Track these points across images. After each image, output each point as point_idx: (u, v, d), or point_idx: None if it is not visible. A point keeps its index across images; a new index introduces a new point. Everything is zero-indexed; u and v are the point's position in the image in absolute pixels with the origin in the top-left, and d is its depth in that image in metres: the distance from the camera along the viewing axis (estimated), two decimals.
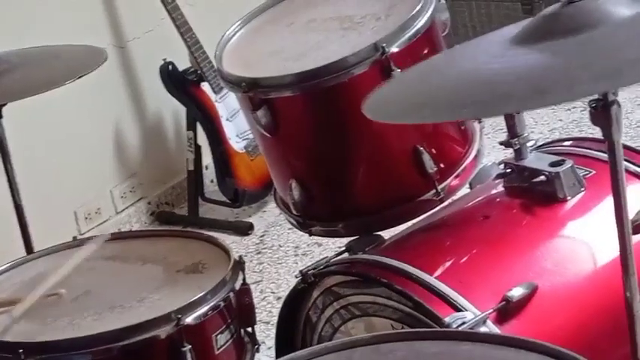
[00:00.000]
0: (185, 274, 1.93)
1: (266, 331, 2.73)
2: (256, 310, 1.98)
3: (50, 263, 2.04)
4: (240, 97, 2.08)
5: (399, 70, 1.93)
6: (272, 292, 3.29)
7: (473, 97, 1.40)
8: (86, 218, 3.74)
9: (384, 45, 1.94)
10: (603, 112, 1.44)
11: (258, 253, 3.60)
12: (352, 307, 2.00)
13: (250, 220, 3.85)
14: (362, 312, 1.98)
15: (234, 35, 2.20)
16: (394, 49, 1.95)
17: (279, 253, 3.58)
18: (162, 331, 1.73)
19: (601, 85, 1.34)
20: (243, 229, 3.78)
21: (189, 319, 1.75)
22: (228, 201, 3.86)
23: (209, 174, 3.99)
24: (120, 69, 3.86)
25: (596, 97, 1.44)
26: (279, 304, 2.12)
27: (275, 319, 2.13)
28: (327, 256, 2.07)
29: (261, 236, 3.73)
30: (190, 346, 1.75)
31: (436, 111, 1.45)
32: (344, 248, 2.11)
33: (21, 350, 1.68)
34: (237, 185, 3.80)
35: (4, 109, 2.39)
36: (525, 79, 1.39)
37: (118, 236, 2.15)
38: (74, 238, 2.10)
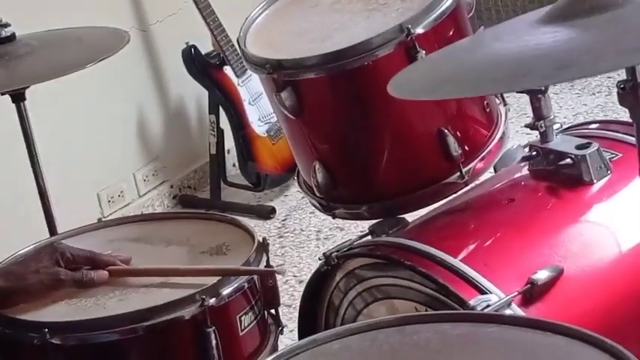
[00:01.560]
0: (209, 255, 1.92)
1: (288, 314, 2.73)
2: None
3: (74, 245, 2.04)
4: (264, 79, 2.07)
5: (424, 52, 1.92)
6: (294, 276, 3.29)
7: (497, 73, 1.40)
8: (109, 201, 3.75)
9: (409, 26, 1.93)
10: (632, 93, 1.43)
11: (280, 236, 3.61)
12: (375, 290, 1.99)
13: (272, 204, 3.85)
14: (385, 295, 1.98)
15: (258, 16, 2.20)
16: (419, 30, 1.94)
17: (300, 237, 3.58)
18: (187, 312, 1.73)
19: (625, 59, 1.33)
20: (265, 213, 3.78)
21: (213, 300, 1.75)
22: (250, 185, 3.87)
23: (231, 158, 4.00)
24: (143, 52, 3.87)
25: (624, 78, 1.43)
26: (301, 288, 2.12)
27: (297, 303, 2.13)
28: (350, 239, 2.06)
29: (283, 220, 3.74)
30: (214, 327, 1.75)
31: (460, 87, 1.45)
32: (367, 231, 2.11)
33: (46, 330, 1.69)
34: (259, 169, 3.81)
35: (27, 92, 2.40)
36: (550, 55, 1.38)
37: (142, 218, 2.15)
38: (99, 219, 2.11)
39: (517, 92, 2.04)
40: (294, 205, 3.82)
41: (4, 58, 2.28)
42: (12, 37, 2.33)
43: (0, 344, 1.76)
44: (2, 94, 2.35)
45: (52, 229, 2.43)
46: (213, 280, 1.78)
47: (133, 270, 1.87)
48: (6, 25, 2.32)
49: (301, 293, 2.11)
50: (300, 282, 3.20)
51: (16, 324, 1.74)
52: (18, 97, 2.40)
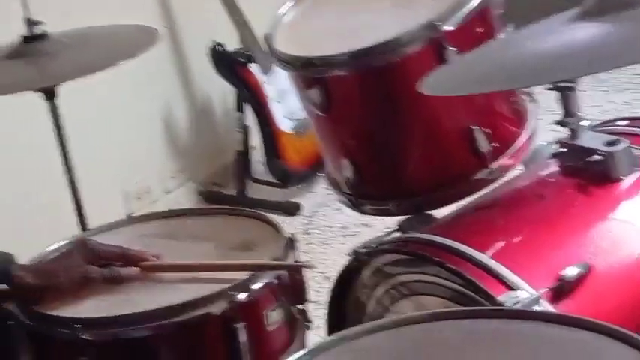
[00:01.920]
0: (237, 251, 1.93)
1: (314, 311, 2.72)
2: None
3: (104, 241, 2.05)
4: (292, 76, 2.08)
5: (453, 49, 1.92)
6: (320, 272, 3.29)
7: (527, 67, 1.40)
8: (136, 198, 3.76)
9: (438, 23, 1.93)
10: None
11: (306, 233, 3.61)
12: (402, 286, 1.99)
13: (298, 200, 3.85)
14: (412, 291, 1.98)
15: (286, 14, 2.20)
16: (448, 27, 1.94)
17: (326, 234, 3.59)
18: (216, 308, 1.74)
19: None
20: (291, 210, 3.79)
21: (242, 296, 1.76)
22: (276, 181, 3.87)
23: (257, 155, 4.00)
24: (169, 50, 3.88)
25: None
26: (327, 284, 2.13)
27: (323, 299, 2.13)
28: (378, 236, 2.06)
29: (309, 217, 3.74)
30: (243, 323, 1.76)
31: (490, 82, 1.45)
32: (395, 228, 2.11)
33: (77, 325, 1.70)
34: (285, 166, 3.81)
35: (58, 90, 2.41)
36: (580, 49, 1.39)
37: (170, 214, 2.15)
38: (128, 215, 2.12)
39: (546, 89, 2.03)
40: (319, 201, 3.83)
41: (36, 55, 2.30)
42: (44, 35, 2.35)
43: (32, 340, 1.78)
44: (34, 92, 2.37)
45: (82, 225, 2.45)
46: (243, 275, 1.79)
47: (164, 265, 1.88)
48: (38, 23, 2.34)
49: (327, 290, 2.12)
50: (326, 278, 3.19)
51: (48, 320, 1.75)
52: (49, 95, 2.41)
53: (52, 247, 1.98)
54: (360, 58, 1.96)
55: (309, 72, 2.00)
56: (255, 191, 3.96)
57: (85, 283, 1.81)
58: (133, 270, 1.84)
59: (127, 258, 1.85)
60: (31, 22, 2.36)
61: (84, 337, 1.70)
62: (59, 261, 1.85)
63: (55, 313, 1.76)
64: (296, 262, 1.89)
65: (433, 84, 1.58)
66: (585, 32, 1.41)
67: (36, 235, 2.29)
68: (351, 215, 3.54)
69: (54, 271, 1.81)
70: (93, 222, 2.26)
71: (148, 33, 2.39)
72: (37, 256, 1.94)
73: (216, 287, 1.76)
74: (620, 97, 4.03)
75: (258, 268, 1.81)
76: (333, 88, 2.01)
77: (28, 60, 2.31)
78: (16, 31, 2.40)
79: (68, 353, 1.73)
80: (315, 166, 3.76)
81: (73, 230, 2.33)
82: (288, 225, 3.62)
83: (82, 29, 2.50)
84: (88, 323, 1.71)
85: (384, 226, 3.26)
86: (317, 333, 2.18)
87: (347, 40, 2.02)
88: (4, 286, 1.76)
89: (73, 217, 2.50)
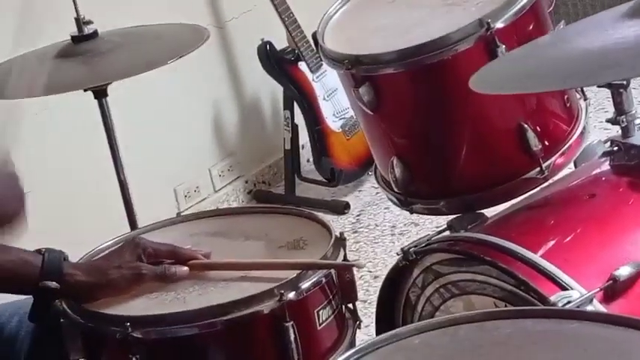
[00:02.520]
0: (287, 250, 1.93)
1: (363, 310, 2.72)
2: None
3: (154, 239, 2.06)
4: (342, 74, 2.07)
5: (504, 47, 1.91)
6: (369, 271, 3.29)
7: (580, 66, 1.39)
8: (185, 196, 3.78)
9: (489, 21, 1.92)
10: None
11: (355, 232, 3.61)
12: (453, 286, 1.98)
13: (346, 199, 3.85)
14: (463, 290, 1.97)
15: (336, 12, 2.20)
16: (499, 24, 1.93)
17: (375, 233, 3.58)
18: (266, 306, 1.74)
19: None
20: (340, 208, 3.78)
21: (291, 295, 1.75)
22: (324, 180, 3.87)
23: (306, 153, 4.01)
24: (218, 49, 3.90)
25: None
26: (376, 283, 2.13)
27: (372, 298, 2.13)
28: (428, 234, 2.06)
29: (358, 215, 3.74)
30: (293, 322, 1.75)
31: (542, 81, 1.44)
32: (444, 226, 2.10)
33: (128, 323, 1.71)
34: (334, 164, 3.81)
35: (109, 88, 2.43)
36: (634, 47, 1.37)
37: (220, 212, 2.16)
38: (178, 214, 2.13)
39: (598, 87, 2.01)
40: (368, 200, 3.82)
41: (87, 55, 2.32)
42: (94, 35, 2.36)
43: (83, 338, 1.78)
44: (85, 91, 2.39)
45: (132, 223, 2.46)
46: (292, 274, 1.79)
47: (214, 264, 1.88)
48: (89, 23, 2.36)
49: (376, 289, 2.11)
50: (375, 277, 3.20)
51: (99, 318, 1.76)
52: (100, 94, 2.43)
53: (103, 246, 1.99)
54: (410, 56, 1.95)
55: (358, 70, 1.99)
56: (303, 190, 3.96)
57: (137, 281, 1.81)
58: (184, 268, 1.85)
59: (178, 256, 1.86)
60: (81, 22, 2.37)
61: (134, 335, 1.71)
62: (110, 258, 1.86)
63: (105, 311, 1.77)
64: (345, 260, 1.88)
65: (483, 82, 1.57)
66: (637, 29, 1.39)
67: (87, 234, 2.30)
68: (399, 214, 3.55)
69: (105, 269, 1.82)
70: (143, 220, 2.27)
71: (197, 32, 2.39)
72: (88, 254, 1.95)
73: (265, 286, 1.76)
74: None
75: (308, 267, 1.81)
76: (383, 87, 2.00)
77: (78, 59, 2.33)
78: (67, 30, 2.41)
79: (119, 351, 1.73)
80: (363, 165, 3.76)
81: (124, 229, 2.34)
82: (336, 224, 3.63)
83: (132, 28, 2.51)
84: (139, 321, 1.72)
85: (433, 225, 3.27)
86: (367, 332, 2.18)
87: (396, 38, 2.02)
88: (55, 284, 1.77)
89: (124, 216, 2.52)
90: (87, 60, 2.30)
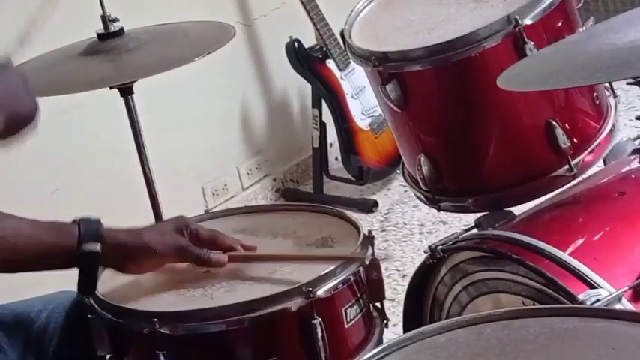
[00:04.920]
0: (315, 247, 1.93)
1: (391, 308, 2.70)
2: None
3: None
4: (369, 72, 2.07)
5: (532, 43, 1.90)
6: (397, 270, 3.29)
7: (608, 62, 1.38)
8: (213, 194, 3.79)
9: (517, 17, 1.91)
10: None
11: (383, 230, 3.60)
12: (481, 284, 1.98)
13: (375, 197, 3.85)
14: (491, 288, 1.96)
15: (363, 9, 2.20)
16: (527, 21, 1.92)
17: (403, 231, 3.57)
18: (293, 304, 1.74)
19: None
20: (368, 207, 3.78)
21: (319, 292, 1.75)
22: (352, 178, 3.87)
23: (334, 151, 4.00)
24: (247, 47, 3.90)
25: None
26: (405, 282, 2.12)
27: (400, 297, 2.12)
28: (455, 232, 2.05)
29: (386, 214, 3.73)
30: (320, 319, 1.75)
31: (570, 76, 1.43)
32: (472, 224, 2.09)
33: (155, 319, 1.71)
34: (362, 163, 3.81)
35: (135, 86, 2.43)
36: None
37: (248, 210, 2.16)
38: (206, 211, 2.13)
39: (628, 84, 2.00)
40: (396, 198, 3.82)
41: (113, 52, 2.32)
42: (120, 32, 2.37)
43: (110, 333, 1.79)
44: (111, 88, 2.39)
45: (158, 220, 2.47)
46: (320, 272, 1.79)
47: (251, 255, 1.88)
48: (115, 20, 2.37)
49: (404, 287, 2.11)
50: (404, 276, 3.19)
51: (126, 313, 1.76)
52: (126, 91, 2.43)
53: None
54: (437, 52, 1.94)
55: (385, 67, 1.99)
56: (331, 188, 3.96)
57: (175, 251, 1.80)
58: (223, 257, 1.84)
59: (219, 243, 1.85)
60: (107, 19, 2.38)
61: (162, 330, 1.71)
62: (154, 227, 1.84)
63: (133, 306, 1.77)
64: (373, 259, 1.87)
65: (511, 79, 1.57)
66: None
67: None
68: (428, 212, 3.54)
69: (147, 234, 1.80)
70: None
71: (223, 30, 2.39)
72: None
73: (293, 283, 1.76)
74: None
75: (343, 259, 1.80)
76: (410, 84, 2.00)
77: (104, 57, 2.33)
78: (93, 28, 2.42)
79: (146, 347, 1.74)
80: (391, 163, 3.76)
81: None
82: (364, 222, 3.61)
83: (158, 26, 2.51)
84: (166, 317, 1.72)
85: (461, 223, 3.26)
86: (394, 331, 2.17)
87: (424, 35, 2.01)
88: (97, 247, 1.73)
89: (151, 213, 2.52)
90: (113, 57, 2.31)
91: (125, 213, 3.19)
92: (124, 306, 1.77)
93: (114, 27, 2.39)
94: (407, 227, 3.60)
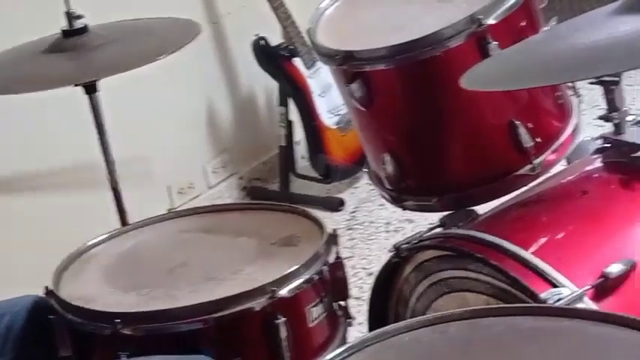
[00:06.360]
0: (279, 247, 1.93)
1: (357, 307, 2.71)
2: None
3: (145, 235, 2.06)
4: (334, 70, 2.07)
5: (496, 43, 1.90)
6: (363, 268, 3.29)
7: (571, 61, 1.39)
8: (179, 193, 3.77)
9: (480, 17, 1.91)
10: None
11: (349, 229, 3.60)
12: (445, 283, 1.98)
13: (341, 196, 3.85)
14: (455, 287, 1.96)
15: (328, 8, 2.20)
16: (491, 21, 1.93)
17: (370, 229, 3.58)
18: (257, 304, 1.74)
19: None
20: (334, 205, 3.78)
21: (283, 292, 1.75)
22: (319, 177, 3.86)
23: (301, 150, 4.00)
24: (213, 45, 3.88)
25: None
26: (371, 280, 2.12)
27: (366, 295, 2.12)
28: (420, 231, 2.05)
29: (352, 212, 3.73)
30: (284, 319, 1.75)
31: (533, 76, 1.44)
32: (437, 223, 2.09)
33: (117, 320, 1.70)
34: (329, 161, 3.80)
35: (99, 84, 2.42)
36: (624, 42, 1.37)
37: (213, 209, 2.15)
38: (169, 210, 2.12)
39: (590, 83, 2.01)
40: (363, 197, 3.82)
41: (77, 49, 2.30)
42: (84, 29, 2.34)
43: (73, 334, 1.78)
44: (75, 86, 2.38)
45: (123, 219, 2.46)
46: (284, 271, 1.78)
47: None
48: (79, 17, 2.34)
49: (370, 286, 2.11)
50: (370, 274, 3.19)
51: (88, 314, 1.76)
52: (91, 89, 2.42)
53: (93, 241, 1.99)
54: (401, 52, 1.95)
55: (350, 66, 1.98)
56: (298, 186, 3.95)
57: None
58: None
59: None
60: (71, 16, 2.36)
61: (124, 331, 1.71)
62: None
63: (95, 307, 1.76)
64: (337, 258, 1.88)
65: (475, 78, 1.57)
66: (628, 25, 1.39)
67: (78, 230, 2.29)
68: (394, 211, 3.53)
69: None
70: (137, 217, 2.26)
71: (189, 27, 2.38)
72: (78, 249, 1.95)
73: (257, 283, 1.76)
74: None
75: None
76: (375, 83, 2.00)
77: (68, 54, 2.31)
78: (58, 24, 2.40)
79: (109, 348, 1.73)
80: (358, 162, 3.75)
81: (115, 225, 2.34)
82: (331, 220, 3.62)
83: (123, 22, 2.49)
84: (129, 318, 1.72)
85: (427, 221, 3.25)
86: (361, 329, 2.17)
87: (389, 34, 2.01)
88: None
89: (115, 212, 2.51)
90: (77, 55, 2.28)
91: (89, 211, 3.19)
92: (86, 307, 1.76)
93: (78, 24, 2.37)
94: (373, 225, 3.60)
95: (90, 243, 1.99)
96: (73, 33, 2.33)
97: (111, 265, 1.96)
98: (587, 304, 1.73)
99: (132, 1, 3.39)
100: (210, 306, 1.72)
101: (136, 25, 2.48)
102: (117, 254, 2.01)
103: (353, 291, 1.95)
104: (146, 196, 3.37)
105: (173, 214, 2.12)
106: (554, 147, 2.04)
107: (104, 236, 2.03)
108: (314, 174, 3.88)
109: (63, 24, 2.37)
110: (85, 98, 2.45)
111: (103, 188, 2.54)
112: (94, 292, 1.83)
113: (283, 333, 1.75)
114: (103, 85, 2.42)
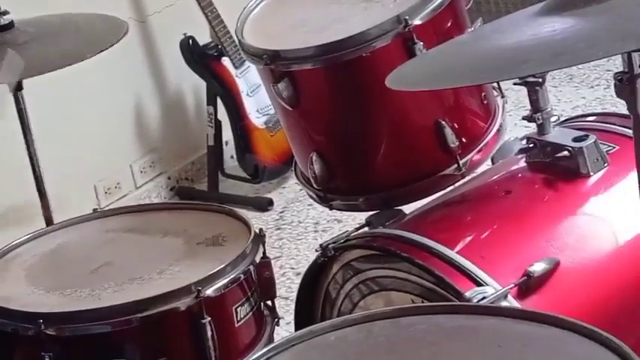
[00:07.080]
0: (205, 246, 1.92)
1: (285, 307, 2.72)
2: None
3: (70, 235, 2.04)
4: (261, 70, 2.07)
5: (422, 43, 1.92)
6: (291, 268, 3.29)
7: (494, 62, 1.40)
8: (106, 193, 3.74)
9: (406, 17, 1.93)
10: (629, 84, 1.43)
11: (278, 229, 3.60)
12: (371, 282, 1.99)
13: (270, 196, 3.84)
14: (381, 287, 1.97)
15: (256, 7, 2.19)
16: (417, 21, 1.94)
17: (298, 229, 3.58)
18: (182, 303, 1.73)
19: (619, 45, 1.33)
20: (263, 205, 3.77)
21: (209, 291, 1.75)
22: (248, 177, 3.85)
23: (229, 149, 3.98)
24: (140, 43, 3.85)
25: (622, 69, 1.43)
26: (299, 280, 2.12)
27: (294, 295, 2.12)
28: (347, 231, 2.06)
29: (281, 212, 3.73)
30: (210, 319, 1.75)
31: (457, 76, 1.45)
32: (364, 223, 2.10)
33: (41, 320, 1.69)
34: (257, 161, 3.80)
35: (25, 82, 2.39)
36: (546, 43, 1.39)
37: (139, 208, 2.14)
38: (94, 210, 2.10)
39: (515, 84, 2.03)
40: (292, 197, 3.82)
41: (3, 46, 2.26)
42: (10, 25, 2.31)
43: None
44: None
45: (48, 218, 2.43)
46: (210, 271, 1.78)
47: None
48: (5, 13, 2.31)
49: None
50: (298, 274, 3.19)
51: (11, 314, 1.74)
52: (15, 87, 2.39)
53: (17, 242, 1.96)
54: (328, 51, 1.95)
55: (277, 66, 1.98)
56: (227, 186, 3.94)
57: None
58: None
59: None
60: None
61: (48, 332, 1.69)
62: None
63: (17, 307, 1.74)
64: (263, 257, 1.88)
65: (400, 78, 1.58)
66: (552, 27, 1.41)
67: (2, 229, 2.27)
68: (323, 211, 3.54)
69: None
70: (63, 217, 2.24)
71: (116, 26, 2.36)
72: (1, 250, 1.93)
73: (182, 283, 1.75)
74: (592, 92, 4.03)
75: None
76: (301, 82, 2.00)
77: None
78: None
79: (32, 349, 1.72)
80: (287, 161, 3.74)
81: (39, 225, 2.31)
82: (259, 220, 3.62)
83: (50, 18, 2.45)
84: (52, 318, 1.70)
85: (355, 221, 3.26)
86: (289, 329, 2.18)
87: (315, 34, 2.02)
88: None
89: (40, 212, 2.48)
90: (2, 53, 2.25)
91: (14, 211, 3.16)
92: (8, 307, 1.74)
93: (4, 20, 2.33)
94: (302, 225, 3.60)
95: (13, 243, 1.96)
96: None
97: (34, 265, 1.94)
98: (511, 302, 1.76)
99: None
100: (134, 306, 1.71)
101: (63, 22, 2.45)
102: (41, 254, 1.99)
103: (281, 291, 1.96)
104: (72, 195, 3.34)
105: (99, 214, 2.10)
106: (479, 147, 2.06)
107: (28, 236, 2.00)
108: (243, 174, 3.87)
109: None
110: (10, 96, 2.41)
111: (28, 188, 2.51)
112: (17, 292, 1.81)
113: (209, 333, 1.75)
114: (27, 82, 2.39)
